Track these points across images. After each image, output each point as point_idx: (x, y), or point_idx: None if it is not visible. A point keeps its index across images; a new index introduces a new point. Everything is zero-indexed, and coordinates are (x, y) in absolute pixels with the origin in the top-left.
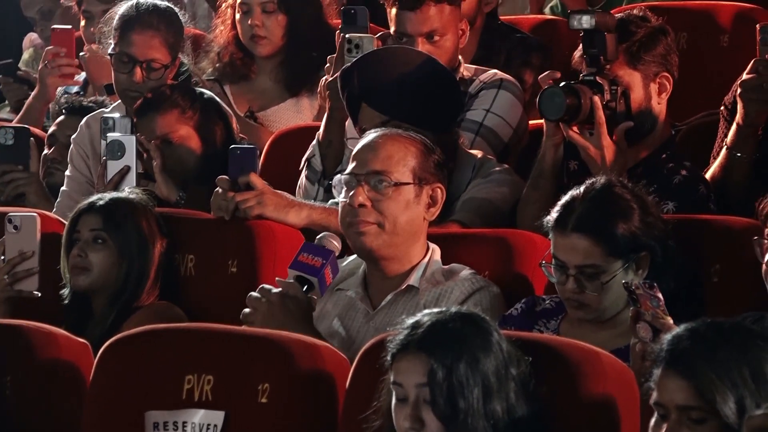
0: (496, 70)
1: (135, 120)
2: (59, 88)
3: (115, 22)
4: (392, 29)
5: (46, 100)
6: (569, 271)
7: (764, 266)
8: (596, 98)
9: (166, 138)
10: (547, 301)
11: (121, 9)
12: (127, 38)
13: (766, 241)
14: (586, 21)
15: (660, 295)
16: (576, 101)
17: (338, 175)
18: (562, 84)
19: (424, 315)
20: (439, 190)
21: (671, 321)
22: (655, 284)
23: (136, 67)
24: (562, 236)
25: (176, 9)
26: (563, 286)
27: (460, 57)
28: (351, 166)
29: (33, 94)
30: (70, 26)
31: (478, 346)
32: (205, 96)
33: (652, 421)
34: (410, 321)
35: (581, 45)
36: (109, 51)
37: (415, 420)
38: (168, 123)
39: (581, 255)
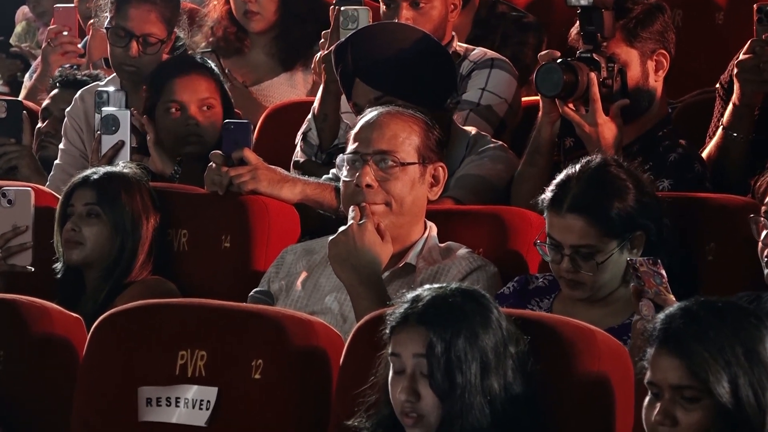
0: (485, 50)
1: (163, 80)
2: None
3: None
4: None
5: (48, 79)
6: (564, 251)
7: (760, 244)
8: (592, 75)
9: (206, 101)
10: (540, 280)
11: None
12: (124, 12)
13: (762, 219)
14: None
15: (663, 272)
16: (573, 78)
17: (341, 154)
18: (560, 60)
19: (425, 289)
20: (440, 169)
21: (674, 298)
22: (659, 260)
23: (133, 41)
24: (557, 216)
25: None
26: (558, 266)
27: (453, 33)
28: (354, 144)
29: (36, 75)
30: (72, 5)
31: (477, 322)
32: (222, 82)
33: (646, 400)
34: (410, 295)
35: (578, 22)
36: (105, 24)
37: (412, 393)
38: (210, 88)
39: (576, 235)
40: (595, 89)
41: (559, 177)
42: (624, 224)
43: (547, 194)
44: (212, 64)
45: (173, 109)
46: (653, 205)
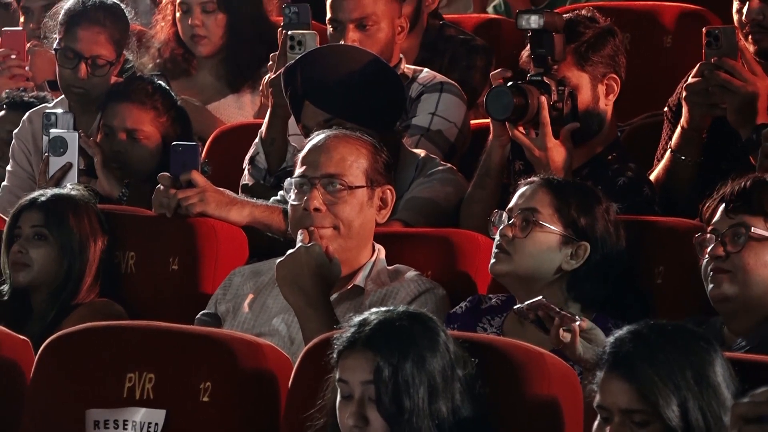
0: (435, 73)
1: (106, 100)
2: None
3: (60, 16)
4: (327, 16)
5: None
6: (513, 214)
7: (703, 261)
8: (543, 98)
9: (133, 133)
10: (493, 300)
11: (67, 4)
12: (73, 33)
13: (708, 236)
14: (534, 21)
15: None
16: (523, 101)
17: (289, 178)
18: (510, 84)
19: (372, 313)
20: (389, 191)
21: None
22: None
23: (81, 63)
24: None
25: (122, 5)
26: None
27: (401, 55)
28: (302, 168)
29: None
30: (21, 28)
31: (425, 345)
32: (180, 106)
33: (596, 424)
34: (357, 319)
35: (529, 45)
36: (54, 46)
37: (360, 418)
38: (141, 120)
39: (530, 198)
40: (545, 113)
41: None
42: (577, 221)
43: None
44: (165, 91)
45: (104, 133)
46: (611, 231)
